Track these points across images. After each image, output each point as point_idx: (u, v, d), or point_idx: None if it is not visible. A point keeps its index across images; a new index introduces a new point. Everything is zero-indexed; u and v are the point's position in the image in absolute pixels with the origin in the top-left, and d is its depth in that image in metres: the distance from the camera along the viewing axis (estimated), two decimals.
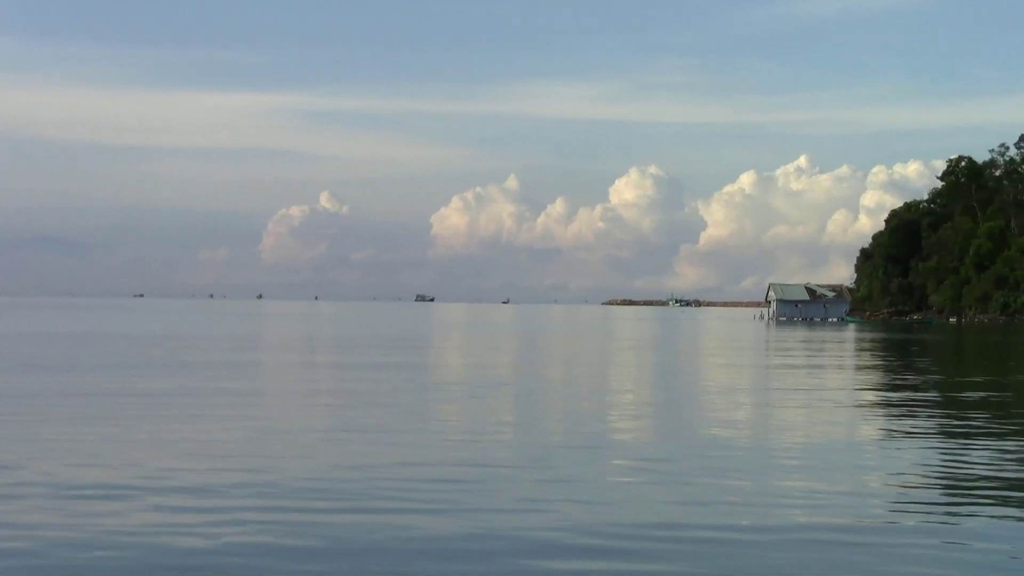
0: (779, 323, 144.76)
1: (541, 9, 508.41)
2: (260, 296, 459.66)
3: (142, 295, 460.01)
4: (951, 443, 19.20)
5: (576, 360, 47.26)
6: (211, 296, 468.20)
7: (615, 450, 18.11)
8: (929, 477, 15.51)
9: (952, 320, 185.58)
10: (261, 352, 52.39)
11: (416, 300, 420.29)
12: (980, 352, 65.33)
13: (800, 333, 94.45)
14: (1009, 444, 19.08)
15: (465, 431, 20.42)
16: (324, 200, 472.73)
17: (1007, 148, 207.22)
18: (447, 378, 35.92)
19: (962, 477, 15.50)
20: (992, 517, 12.87)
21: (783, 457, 17.42)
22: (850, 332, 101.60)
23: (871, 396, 29.76)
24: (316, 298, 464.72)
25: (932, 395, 29.61)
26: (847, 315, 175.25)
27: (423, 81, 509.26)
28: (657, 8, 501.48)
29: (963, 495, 14.18)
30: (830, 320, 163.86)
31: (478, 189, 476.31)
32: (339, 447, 17.90)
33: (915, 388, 31.82)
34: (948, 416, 23.85)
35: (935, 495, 14.18)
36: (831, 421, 22.95)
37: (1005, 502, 13.74)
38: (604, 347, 61.14)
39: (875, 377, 38.64)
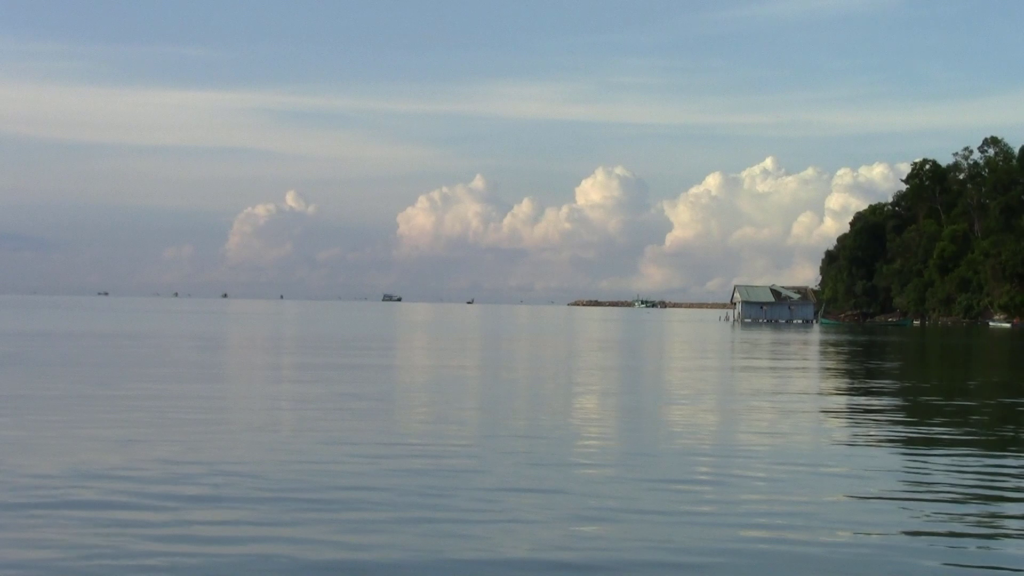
0: (744, 325, 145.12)
1: (507, 9, 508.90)
2: (225, 295, 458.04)
3: (106, 293, 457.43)
4: (913, 450, 19.09)
5: (540, 363, 47.02)
6: (176, 295, 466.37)
7: (577, 458, 17.86)
8: (891, 486, 15.35)
9: (916, 323, 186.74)
10: (236, 352, 51.92)
11: (383, 300, 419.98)
12: (945, 355, 65.59)
13: (767, 335, 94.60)
14: (970, 452, 18.98)
15: (425, 434, 20.12)
16: (290, 199, 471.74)
17: (971, 151, 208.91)
18: (412, 381, 35.60)
19: (924, 486, 15.35)
20: (953, 530, 12.72)
21: (745, 466, 17.21)
22: (815, 334, 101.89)
23: (837, 400, 29.68)
24: (282, 297, 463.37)
25: (897, 400, 29.53)
26: (823, 317, 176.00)
27: (390, 81, 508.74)
28: (624, 9, 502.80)
29: (924, 504, 14.01)
30: (795, 322, 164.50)
31: (444, 189, 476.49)
32: (300, 448, 17.55)
33: (881, 393, 31.76)
34: (912, 423, 23.78)
35: (896, 505, 14.00)
36: (796, 426, 22.78)
37: (966, 513, 13.60)
38: (569, 349, 60.93)
39: (841, 381, 38.61)
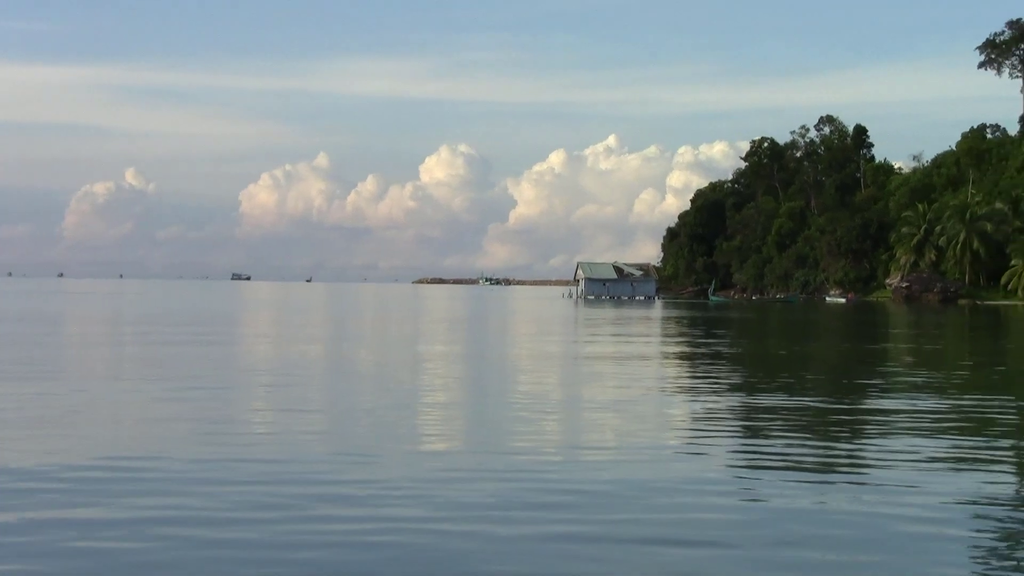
0: (587, 301, 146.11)
1: None
2: (61, 275, 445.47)
3: None
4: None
5: (376, 344, 46.22)
6: (10, 274, 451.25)
7: (411, 454, 17.17)
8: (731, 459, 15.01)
9: (755, 298, 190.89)
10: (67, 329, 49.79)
11: (232, 279, 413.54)
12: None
13: (610, 312, 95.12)
14: (807, 419, 18.83)
15: (244, 417, 19.19)
16: (130, 177, 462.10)
17: (808, 130, 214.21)
18: (245, 363, 34.45)
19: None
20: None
21: (587, 451, 16.74)
22: (658, 310, 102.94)
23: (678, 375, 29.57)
24: (121, 276, 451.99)
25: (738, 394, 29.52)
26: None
27: (232, 56, 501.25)
28: None
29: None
30: (637, 298, 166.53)
31: (287, 167, 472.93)
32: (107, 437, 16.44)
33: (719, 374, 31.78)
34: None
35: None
36: (642, 412, 22.46)
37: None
38: (411, 330, 60.22)
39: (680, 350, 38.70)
